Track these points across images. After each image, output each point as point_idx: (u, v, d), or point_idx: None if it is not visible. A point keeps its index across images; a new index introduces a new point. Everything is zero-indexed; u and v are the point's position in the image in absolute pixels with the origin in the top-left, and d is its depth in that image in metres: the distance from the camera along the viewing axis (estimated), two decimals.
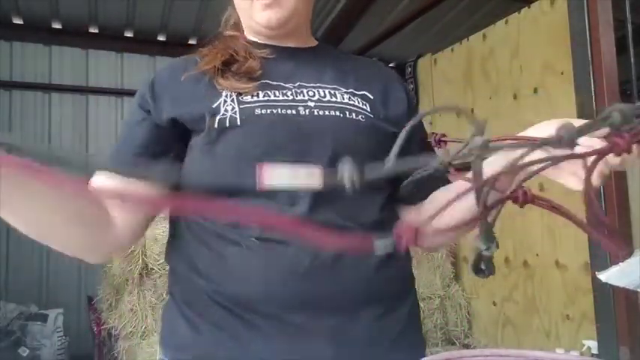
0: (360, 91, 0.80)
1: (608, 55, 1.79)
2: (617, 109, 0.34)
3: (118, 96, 4.15)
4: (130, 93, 4.11)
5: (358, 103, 0.78)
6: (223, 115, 0.72)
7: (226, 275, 0.70)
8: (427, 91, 3.42)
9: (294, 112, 0.73)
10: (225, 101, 0.73)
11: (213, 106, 0.73)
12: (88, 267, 3.85)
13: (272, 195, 0.69)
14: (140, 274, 2.47)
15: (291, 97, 0.75)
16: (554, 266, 2.46)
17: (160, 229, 2.47)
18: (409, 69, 3.61)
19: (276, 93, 0.75)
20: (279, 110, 0.73)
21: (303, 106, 0.74)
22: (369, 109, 0.78)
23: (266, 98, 0.74)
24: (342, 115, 0.75)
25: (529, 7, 2.63)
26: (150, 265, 2.48)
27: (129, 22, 3.90)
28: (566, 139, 0.33)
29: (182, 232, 0.77)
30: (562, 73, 2.36)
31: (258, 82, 0.75)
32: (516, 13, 2.71)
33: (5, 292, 3.61)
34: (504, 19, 2.79)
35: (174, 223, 0.80)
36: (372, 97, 0.80)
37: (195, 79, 0.76)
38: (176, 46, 4.17)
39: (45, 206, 0.62)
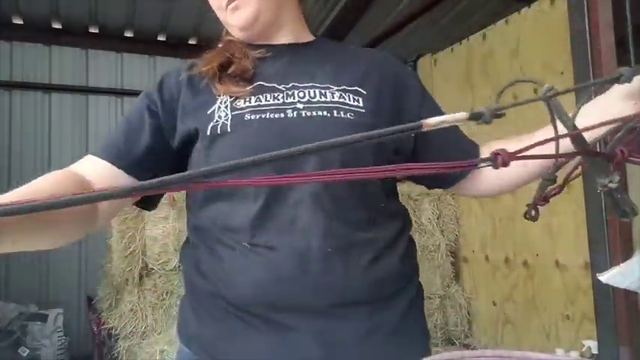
0: (352, 86, 0.80)
1: (608, 55, 1.79)
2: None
3: (118, 96, 4.15)
4: (130, 93, 4.12)
5: (349, 100, 0.78)
6: (216, 122, 0.74)
7: (221, 277, 0.74)
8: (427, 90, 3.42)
9: (282, 115, 0.74)
10: (219, 107, 0.76)
11: (208, 112, 0.76)
12: (88, 267, 3.86)
13: (255, 196, 0.72)
14: (140, 274, 2.47)
15: (281, 101, 0.76)
16: (554, 266, 2.46)
17: (160, 230, 2.48)
18: (409, 69, 3.61)
19: (268, 97, 0.77)
20: (268, 115, 0.74)
21: (291, 108, 0.75)
22: (361, 104, 0.78)
23: (257, 103, 0.76)
24: (329, 115, 0.75)
25: (529, 7, 2.63)
26: (150, 265, 2.48)
27: (129, 22, 3.90)
28: (625, 76, 0.41)
29: (191, 238, 0.82)
30: (562, 73, 2.36)
31: (253, 85, 0.78)
32: (516, 13, 2.71)
33: (5, 292, 3.61)
34: (504, 19, 2.79)
35: (189, 230, 0.84)
36: (365, 92, 0.80)
37: (196, 89, 0.79)
38: (176, 46, 4.17)
39: (39, 232, 0.60)
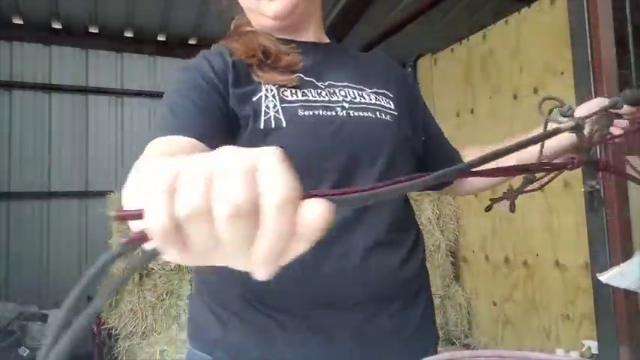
0: (381, 89, 0.82)
1: (608, 55, 1.78)
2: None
3: (118, 96, 4.15)
4: (130, 93, 4.13)
5: (384, 102, 0.80)
6: (266, 113, 0.71)
7: None
8: (427, 91, 3.42)
9: (332, 113, 0.74)
10: (266, 96, 0.73)
11: (254, 99, 0.72)
12: (88, 267, 3.86)
13: None
14: (140, 274, 2.47)
15: (327, 98, 0.76)
16: (554, 266, 2.46)
17: None
18: (409, 69, 3.61)
19: (313, 92, 0.76)
20: (320, 111, 0.74)
21: (339, 107, 0.76)
22: (392, 107, 0.81)
23: (305, 98, 0.74)
24: (373, 116, 0.77)
25: (529, 7, 2.63)
26: (150, 265, 2.48)
27: (129, 22, 3.90)
28: (620, 102, 0.55)
29: None
30: (562, 73, 2.36)
31: (296, 76, 0.76)
32: (516, 13, 2.72)
33: (5, 292, 3.61)
34: (504, 19, 2.79)
35: None
36: (392, 95, 0.83)
37: (239, 74, 0.74)
38: (176, 46, 4.17)
39: None
